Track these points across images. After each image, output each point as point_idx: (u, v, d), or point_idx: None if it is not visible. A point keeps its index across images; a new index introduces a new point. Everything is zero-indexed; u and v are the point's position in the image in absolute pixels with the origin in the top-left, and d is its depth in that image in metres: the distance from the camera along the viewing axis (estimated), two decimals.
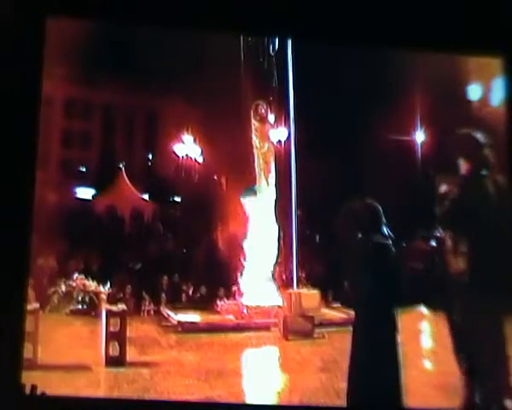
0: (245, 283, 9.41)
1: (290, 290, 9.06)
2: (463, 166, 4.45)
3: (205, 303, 9.60)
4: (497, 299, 4.12)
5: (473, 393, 4.13)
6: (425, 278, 8.51)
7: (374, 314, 3.83)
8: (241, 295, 9.29)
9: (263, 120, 9.91)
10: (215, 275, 9.95)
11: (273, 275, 9.51)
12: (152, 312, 9.32)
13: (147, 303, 9.40)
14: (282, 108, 9.92)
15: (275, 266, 9.56)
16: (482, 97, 7.68)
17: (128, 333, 6.39)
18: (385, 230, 4.13)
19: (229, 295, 9.45)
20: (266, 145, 9.94)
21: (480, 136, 4.51)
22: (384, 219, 4.19)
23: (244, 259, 9.52)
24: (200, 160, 13.56)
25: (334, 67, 9.10)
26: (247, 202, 9.71)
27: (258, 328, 8.13)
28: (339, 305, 9.24)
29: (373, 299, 3.83)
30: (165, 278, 9.97)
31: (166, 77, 12.85)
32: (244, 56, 9.57)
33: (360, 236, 4.09)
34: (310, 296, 8.90)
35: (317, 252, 10.78)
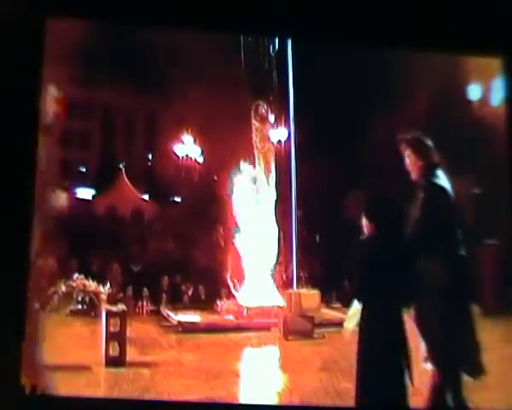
0: (245, 283, 9.41)
1: (290, 290, 9.07)
2: (416, 165, 4.38)
3: (205, 303, 9.61)
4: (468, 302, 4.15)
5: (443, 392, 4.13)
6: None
7: (384, 312, 3.81)
8: (240, 295, 9.29)
9: (263, 120, 9.92)
10: (215, 275, 9.95)
11: (273, 275, 9.51)
12: (152, 312, 9.32)
13: (147, 303, 9.40)
14: (282, 108, 9.93)
15: (275, 266, 9.56)
16: (482, 97, 7.69)
17: (128, 333, 6.39)
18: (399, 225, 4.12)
19: (229, 295, 9.44)
20: (266, 145, 9.94)
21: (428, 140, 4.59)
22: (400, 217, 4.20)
23: (244, 259, 9.52)
24: (200, 160, 13.55)
25: (334, 66, 9.09)
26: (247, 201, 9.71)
27: (258, 328, 8.13)
28: (339, 305, 9.24)
29: (383, 297, 3.81)
30: (166, 278, 9.98)
31: (166, 77, 12.84)
32: (244, 56, 9.57)
33: (373, 231, 4.04)
34: (310, 296, 8.91)
35: (317, 252, 10.77)
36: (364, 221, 4.09)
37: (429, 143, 4.49)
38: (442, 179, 4.34)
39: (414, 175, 4.41)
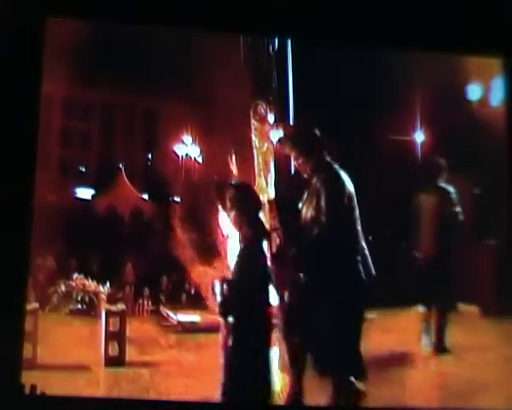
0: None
1: None
2: (306, 159, 4.24)
3: (205, 303, 9.59)
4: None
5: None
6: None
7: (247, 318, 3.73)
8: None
9: (262, 119, 9.89)
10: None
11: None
12: (152, 312, 9.31)
13: (146, 303, 9.39)
14: (282, 108, 9.91)
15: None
16: (482, 97, 7.69)
17: (128, 333, 6.39)
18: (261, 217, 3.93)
19: None
20: (266, 145, 9.92)
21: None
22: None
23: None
24: (200, 160, 13.55)
25: (334, 67, 9.09)
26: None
27: None
28: None
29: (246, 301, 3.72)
30: (165, 277, 9.97)
31: (166, 77, 12.83)
32: (244, 56, 9.56)
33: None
34: None
35: None
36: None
37: (316, 132, 4.35)
38: (338, 170, 4.18)
39: (306, 170, 4.26)
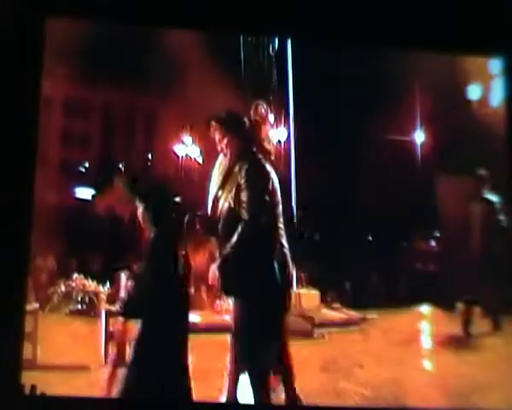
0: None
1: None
2: (232, 146, 4.09)
3: (205, 303, 9.58)
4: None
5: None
6: (425, 277, 8.52)
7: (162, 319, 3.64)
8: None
9: (263, 119, 9.88)
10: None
11: None
12: None
13: None
14: (282, 108, 9.91)
15: None
16: (482, 97, 7.70)
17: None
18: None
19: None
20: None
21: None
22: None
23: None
24: (200, 160, 13.54)
25: (333, 66, 9.10)
26: None
27: None
28: (339, 305, 9.23)
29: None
30: None
31: (166, 77, 12.84)
32: (244, 56, 9.56)
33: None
34: (309, 297, 8.87)
35: (317, 252, 10.75)
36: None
37: (246, 120, 4.27)
38: (263, 161, 4.02)
39: (229, 153, 4.11)
